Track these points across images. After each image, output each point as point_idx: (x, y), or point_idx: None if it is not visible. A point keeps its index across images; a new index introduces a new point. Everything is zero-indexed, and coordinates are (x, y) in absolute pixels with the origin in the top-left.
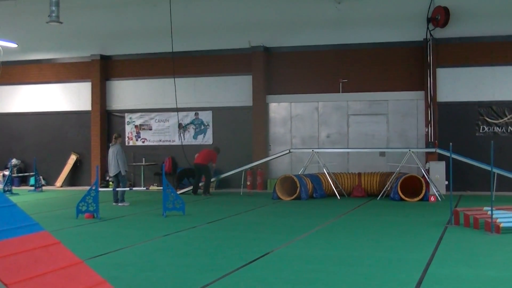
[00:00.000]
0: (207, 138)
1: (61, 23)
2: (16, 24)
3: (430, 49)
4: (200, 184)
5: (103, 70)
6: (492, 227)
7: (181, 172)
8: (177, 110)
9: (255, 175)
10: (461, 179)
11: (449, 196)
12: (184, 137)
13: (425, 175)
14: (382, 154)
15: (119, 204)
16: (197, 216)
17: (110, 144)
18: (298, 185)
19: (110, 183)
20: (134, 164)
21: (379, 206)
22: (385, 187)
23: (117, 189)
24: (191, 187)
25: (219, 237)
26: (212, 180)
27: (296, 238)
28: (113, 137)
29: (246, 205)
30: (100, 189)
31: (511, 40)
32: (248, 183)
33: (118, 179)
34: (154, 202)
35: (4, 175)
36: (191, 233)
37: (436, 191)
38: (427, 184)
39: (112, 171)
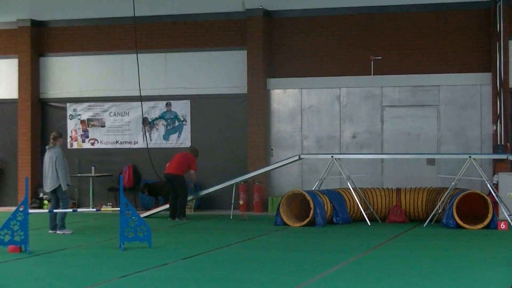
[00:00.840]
0: (183, 139)
1: None
2: None
3: (501, 14)
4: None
5: (35, 42)
6: None
7: (147, 186)
8: (141, 99)
9: (251, 191)
10: None
11: None
12: (150, 137)
13: (492, 192)
14: (431, 162)
15: (58, 231)
16: (169, 249)
17: (47, 147)
18: (312, 205)
19: (46, 202)
20: (79, 175)
21: (426, 236)
22: (435, 209)
23: (56, 210)
24: (159, 208)
25: (199, 279)
26: (189, 198)
27: (308, 281)
28: (51, 137)
29: (238, 234)
30: (31, 210)
31: None
32: (241, 202)
33: (57, 197)
34: (107, 229)
35: None
36: (159, 274)
37: (509, 216)
38: (495, 205)
39: (48, 185)
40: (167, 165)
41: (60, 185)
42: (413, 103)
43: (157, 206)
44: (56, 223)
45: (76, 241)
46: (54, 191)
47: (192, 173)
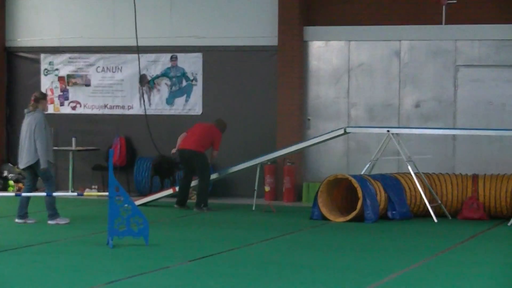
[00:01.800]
0: (193, 104)
1: None
2: None
3: None
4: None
5: None
6: None
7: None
8: (137, 50)
9: (280, 174)
10: None
11: None
12: (150, 101)
13: None
14: None
15: (50, 221)
16: (171, 247)
17: (26, 111)
18: (360, 195)
19: (11, 182)
20: (55, 148)
21: (510, 237)
22: None
23: (30, 194)
24: (160, 194)
25: None
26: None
27: None
28: (32, 98)
29: (261, 230)
30: None
31: None
32: (267, 188)
33: (34, 177)
34: (92, 220)
35: None
36: (158, 280)
37: None
38: None
39: (23, 160)
40: (182, 138)
41: (38, 160)
42: (497, 63)
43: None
44: (26, 211)
45: (52, 234)
46: (31, 168)
47: (215, 155)
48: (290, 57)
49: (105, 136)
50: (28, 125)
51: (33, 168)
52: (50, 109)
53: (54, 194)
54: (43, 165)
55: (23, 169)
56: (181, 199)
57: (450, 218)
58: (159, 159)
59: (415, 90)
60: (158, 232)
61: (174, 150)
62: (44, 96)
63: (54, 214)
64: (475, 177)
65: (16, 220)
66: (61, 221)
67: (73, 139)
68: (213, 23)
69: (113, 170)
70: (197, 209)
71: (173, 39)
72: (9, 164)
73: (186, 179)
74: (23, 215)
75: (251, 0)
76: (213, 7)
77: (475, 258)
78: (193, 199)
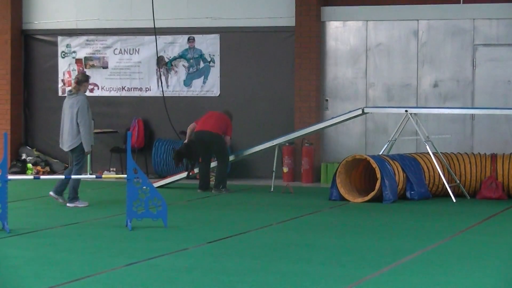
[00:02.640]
0: (211, 85)
1: None
2: None
3: None
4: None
5: None
6: None
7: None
8: (155, 32)
9: (298, 155)
10: None
11: None
12: (167, 82)
13: None
14: None
15: (69, 204)
16: (190, 229)
17: (67, 93)
18: (379, 175)
19: (30, 166)
20: None
21: None
22: None
23: (78, 177)
24: (178, 176)
25: (228, 270)
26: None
27: (372, 274)
28: (74, 80)
29: (280, 211)
30: (11, 176)
31: None
32: (286, 169)
33: (75, 159)
34: (111, 203)
35: None
36: (176, 262)
37: None
38: None
39: (66, 143)
40: (197, 122)
41: (80, 144)
42: None
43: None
44: (62, 188)
45: (70, 217)
46: (73, 151)
47: (228, 140)
48: (307, 38)
49: (123, 119)
50: (70, 107)
51: (73, 151)
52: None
53: (74, 176)
54: (86, 148)
55: (68, 151)
56: (203, 183)
57: (468, 198)
58: (183, 149)
59: (433, 70)
60: (176, 214)
61: (186, 141)
62: (86, 78)
63: (74, 198)
64: (493, 157)
65: (68, 204)
66: (80, 204)
67: (92, 122)
68: (230, 4)
69: (131, 152)
70: (215, 190)
71: (190, 20)
72: (27, 147)
73: (205, 162)
74: (59, 191)
75: None
76: None
77: (494, 238)
78: (212, 181)
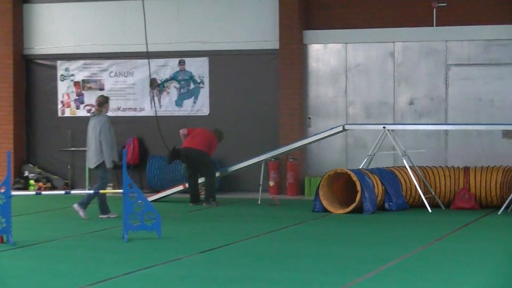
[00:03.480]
0: (200, 105)
1: None
2: None
3: None
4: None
5: None
6: None
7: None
8: (147, 56)
9: (283, 169)
10: None
11: None
12: (160, 103)
13: None
14: (508, 134)
15: (102, 215)
16: (183, 240)
17: (90, 115)
18: (359, 188)
19: (32, 182)
20: (72, 149)
21: (500, 226)
22: None
23: (89, 191)
24: (171, 190)
25: (219, 278)
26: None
27: (353, 281)
28: (96, 102)
29: (267, 222)
30: (14, 192)
31: None
32: (272, 183)
33: (99, 175)
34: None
35: None
36: (170, 271)
37: None
38: None
39: (92, 161)
40: (188, 131)
41: (103, 162)
42: (486, 61)
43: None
44: (105, 205)
45: (70, 230)
46: (98, 168)
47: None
48: (290, 60)
49: (118, 137)
50: (93, 127)
51: (98, 168)
52: (67, 112)
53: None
54: (108, 165)
55: (93, 169)
56: (194, 197)
57: (443, 208)
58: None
59: (409, 89)
60: (170, 226)
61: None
62: (106, 99)
63: (105, 210)
64: (466, 169)
65: (100, 216)
66: (112, 215)
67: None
68: (218, 29)
69: (126, 168)
70: (206, 203)
71: (181, 44)
72: (29, 164)
73: (193, 177)
74: (104, 210)
75: (253, 7)
76: (218, 14)
77: (468, 245)
78: (202, 194)
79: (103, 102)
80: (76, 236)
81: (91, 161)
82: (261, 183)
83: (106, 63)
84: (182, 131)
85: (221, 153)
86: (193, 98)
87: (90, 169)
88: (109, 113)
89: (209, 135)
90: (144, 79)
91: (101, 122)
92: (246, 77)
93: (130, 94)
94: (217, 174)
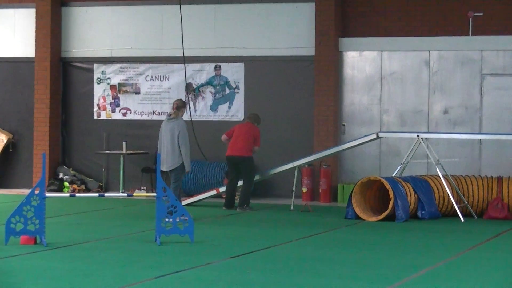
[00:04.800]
0: (235, 110)
1: None
2: None
3: None
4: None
5: None
6: None
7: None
8: (184, 60)
9: (316, 176)
10: None
11: None
12: (195, 107)
13: None
14: None
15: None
16: (215, 245)
17: (166, 118)
18: (392, 195)
19: (66, 184)
20: (107, 152)
21: None
22: None
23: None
24: (204, 195)
25: (251, 282)
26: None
27: None
28: (174, 106)
29: (299, 228)
30: (49, 194)
31: None
32: (305, 189)
33: (173, 178)
34: (141, 219)
35: None
36: (202, 274)
37: None
38: None
39: (168, 164)
40: (228, 135)
41: (181, 165)
42: None
43: None
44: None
45: (103, 232)
46: (173, 171)
47: (256, 150)
48: (326, 66)
49: (153, 141)
50: (170, 131)
51: (173, 171)
52: (102, 115)
53: (105, 195)
54: (187, 168)
55: (168, 172)
56: (229, 202)
57: (476, 218)
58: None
59: (444, 97)
60: (202, 230)
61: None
62: (184, 104)
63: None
64: (499, 179)
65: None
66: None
67: (124, 143)
68: (254, 35)
69: (160, 172)
70: (240, 209)
71: (217, 49)
72: (64, 166)
73: (233, 183)
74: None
75: (290, 13)
76: (254, 20)
77: (500, 255)
78: (236, 199)
79: (180, 106)
80: (109, 239)
81: (166, 164)
82: (294, 189)
83: (142, 67)
84: (223, 138)
85: (256, 158)
86: (228, 103)
87: (124, 165)
88: (145, 117)
89: (249, 132)
90: (180, 83)
91: (179, 125)
92: (281, 83)
93: (165, 98)
94: (257, 177)
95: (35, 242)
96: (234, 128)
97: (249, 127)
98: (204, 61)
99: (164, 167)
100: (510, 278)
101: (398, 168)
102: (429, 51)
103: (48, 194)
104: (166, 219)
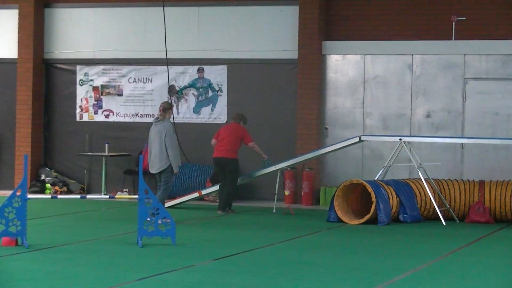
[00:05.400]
0: (218, 113)
1: None
2: None
3: None
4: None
5: None
6: None
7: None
8: (167, 63)
9: (299, 179)
10: None
11: None
12: (178, 110)
13: None
14: None
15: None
16: (197, 247)
17: (154, 121)
18: (374, 199)
19: (48, 185)
20: (89, 154)
21: None
22: None
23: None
24: (187, 197)
25: (232, 285)
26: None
27: None
28: (160, 108)
29: (282, 231)
30: (30, 195)
31: None
32: (287, 192)
33: (163, 180)
34: (123, 221)
35: None
36: (184, 277)
37: None
38: None
39: (155, 166)
40: (214, 146)
41: (169, 166)
42: (504, 76)
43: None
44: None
45: (85, 234)
46: (161, 173)
47: (252, 146)
48: (309, 70)
49: (136, 143)
50: (158, 133)
51: (161, 173)
52: (85, 117)
53: (87, 196)
54: (175, 169)
55: (155, 174)
56: (225, 202)
57: (457, 221)
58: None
59: (426, 101)
60: (184, 233)
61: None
62: (170, 106)
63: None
64: (481, 183)
65: (218, 212)
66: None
67: (106, 145)
68: (238, 37)
69: (143, 174)
70: (221, 211)
71: (200, 52)
72: (46, 168)
73: (223, 186)
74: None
75: (273, 16)
76: (237, 22)
77: (481, 259)
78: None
79: (167, 108)
80: (91, 241)
81: (155, 166)
82: (276, 192)
83: (125, 68)
84: (212, 142)
85: (239, 160)
86: (211, 105)
87: (107, 167)
88: (127, 119)
89: (233, 133)
90: (163, 85)
91: (166, 127)
92: (264, 86)
93: (148, 100)
94: (240, 180)
95: (17, 244)
96: (220, 130)
97: (234, 128)
98: (187, 64)
99: (153, 170)
100: (491, 282)
101: (381, 172)
102: (412, 55)
103: (29, 196)
104: (148, 219)
